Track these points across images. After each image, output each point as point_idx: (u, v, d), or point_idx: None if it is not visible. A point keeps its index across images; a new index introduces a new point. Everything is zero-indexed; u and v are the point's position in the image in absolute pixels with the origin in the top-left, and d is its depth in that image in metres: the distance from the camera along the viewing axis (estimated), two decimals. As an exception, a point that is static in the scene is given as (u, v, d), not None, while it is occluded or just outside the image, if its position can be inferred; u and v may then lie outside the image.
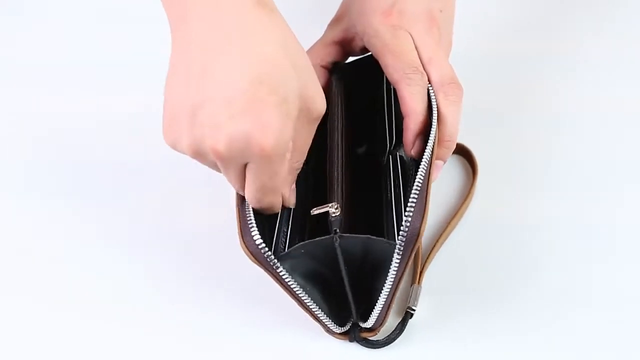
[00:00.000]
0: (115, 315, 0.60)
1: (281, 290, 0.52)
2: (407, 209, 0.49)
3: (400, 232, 0.49)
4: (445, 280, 0.62)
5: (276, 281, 0.50)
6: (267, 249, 0.48)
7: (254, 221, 0.48)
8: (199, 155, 0.47)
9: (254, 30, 0.46)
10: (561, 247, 0.63)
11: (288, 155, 0.48)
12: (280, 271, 0.49)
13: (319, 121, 0.50)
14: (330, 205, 0.49)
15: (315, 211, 0.49)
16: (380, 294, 0.52)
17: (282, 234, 0.53)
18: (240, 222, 0.49)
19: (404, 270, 0.51)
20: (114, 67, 0.78)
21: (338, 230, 0.49)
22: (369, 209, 0.56)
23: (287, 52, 0.46)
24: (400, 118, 0.57)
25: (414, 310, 0.59)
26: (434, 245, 0.63)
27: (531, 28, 0.82)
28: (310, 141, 0.51)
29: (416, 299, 0.59)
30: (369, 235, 0.49)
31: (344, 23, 0.60)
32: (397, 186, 0.54)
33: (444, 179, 0.68)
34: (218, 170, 0.49)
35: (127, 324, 0.59)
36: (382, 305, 0.53)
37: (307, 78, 0.48)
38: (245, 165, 0.48)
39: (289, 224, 0.53)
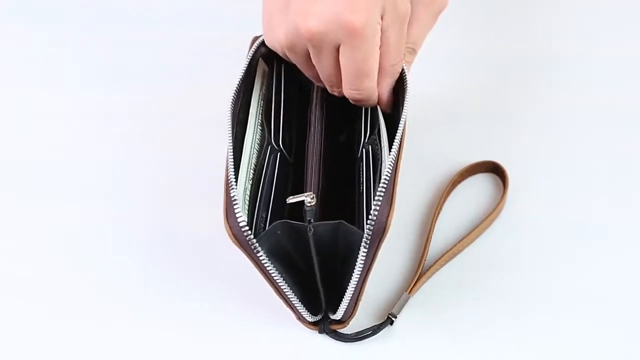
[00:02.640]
0: (98, 306, 0.61)
1: (248, 279, 0.53)
2: (375, 200, 0.48)
3: (367, 224, 0.48)
4: (443, 297, 0.61)
5: (254, 264, 0.51)
6: (249, 231, 0.49)
7: (239, 203, 0.49)
8: (293, 44, 0.51)
9: None
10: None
11: (378, 40, 0.51)
12: (260, 255, 0.50)
13: (405, 22, 0.52)
14: (305, 194, 0.50)
15: (291, 200, 0.50)
16: (348, 287, 0.52)
17: (260, 219, 0.53)
18: (226, 203, 0.50)
19: (371, 263, 0.50)
20: (116, 67, 0.78)
21: (312, 221, 0.49)
22: (345, 199, 0.56)
23: None
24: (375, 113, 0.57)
25: (395, 317, 0.58)
26: (440, 258, 0.61)
27: (537, 29, 0.80)
28: (403, 42, 0.53)
29: (401, 307, 0.59)
30: (341, 220, 0.49)
31: None
32: (368, 179, 0.54)
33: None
34: (310, 66, 0.53)
35: (108, 315, 0.60)
36: (349, 298, 0.53)
37: None
38: (338, 51, 0.51)
39: (268, 210, 0.54)
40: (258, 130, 0.57)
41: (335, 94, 0.56)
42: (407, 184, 0.66)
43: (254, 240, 0.49)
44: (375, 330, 0.57)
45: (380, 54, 0.53)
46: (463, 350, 0.58)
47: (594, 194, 0.66)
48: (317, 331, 0.58)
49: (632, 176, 0.67)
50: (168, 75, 0.77)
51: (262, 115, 0.58)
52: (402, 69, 0.55)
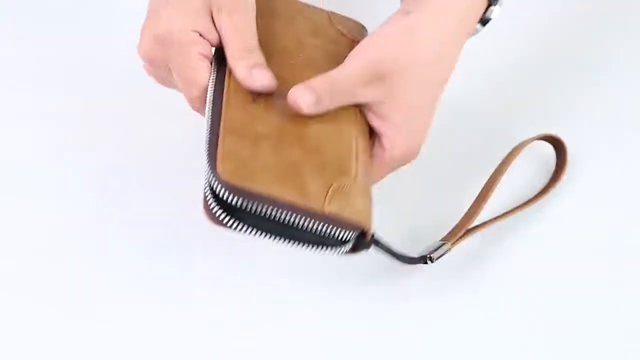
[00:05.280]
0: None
1: None
2: None
3: None
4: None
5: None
6: (223, 214, 0.51)
7: (209, 190, 0.52)
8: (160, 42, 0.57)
9: None
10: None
11: (191, 47, 0.55)
12: (236, 225, 0.52)
13: (237, 8, 0.57)
14: None
15: None
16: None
17: None
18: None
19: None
20: (114, 67, 0.74)
21: None
22: None
23: None
24: None
25: (431, 260, 0.59)
26: (489, 220, 0.62)
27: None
28: (248, 28, 0.57)
29: (440, 254, 0.59)
30: None
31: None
32: None
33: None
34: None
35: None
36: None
37: None
38: None
39: None
40: None
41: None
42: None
43: (231, 220, 0.52)
44: (408, 260, 0.58)
45: (224, 43, 0.56)
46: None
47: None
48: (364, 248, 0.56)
49: None
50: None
51: None
52: None
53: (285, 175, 0.52)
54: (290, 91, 0.55)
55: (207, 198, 0.52)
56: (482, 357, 0.57)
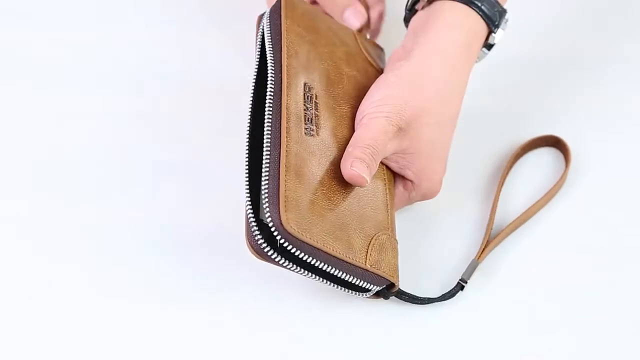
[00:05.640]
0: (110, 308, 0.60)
1: None
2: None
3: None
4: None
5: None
6: (266, 245, 0.53)
7: (254, 221, 0.54)
8: None
9: None
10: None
11: None
12: (286, 264, 0.54)
13: None
14: None
15: None
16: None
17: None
18: (246, 223, 0.54)
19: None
20: (123, 66, 0.76)
21: None
22: None
23: None
24: None
25: (465, 282, 0.60)
26: (506, 227, 0.64)
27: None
28: None
29: (471, 272, 0.61)
30: None
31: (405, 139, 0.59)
32: None
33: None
34: None
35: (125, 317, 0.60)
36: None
37: None
38: None
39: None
40: None
41: None
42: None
43: (274, 253, 0.53)
44: (447, 296, 0.60)
45: None
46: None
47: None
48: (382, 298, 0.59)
49: None
50: (179, 77, 0.76)
51: None
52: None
53: (336, 229, 0.55)
54: (344, 169, 0.56)
55: (254, 233, 0.53)
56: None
